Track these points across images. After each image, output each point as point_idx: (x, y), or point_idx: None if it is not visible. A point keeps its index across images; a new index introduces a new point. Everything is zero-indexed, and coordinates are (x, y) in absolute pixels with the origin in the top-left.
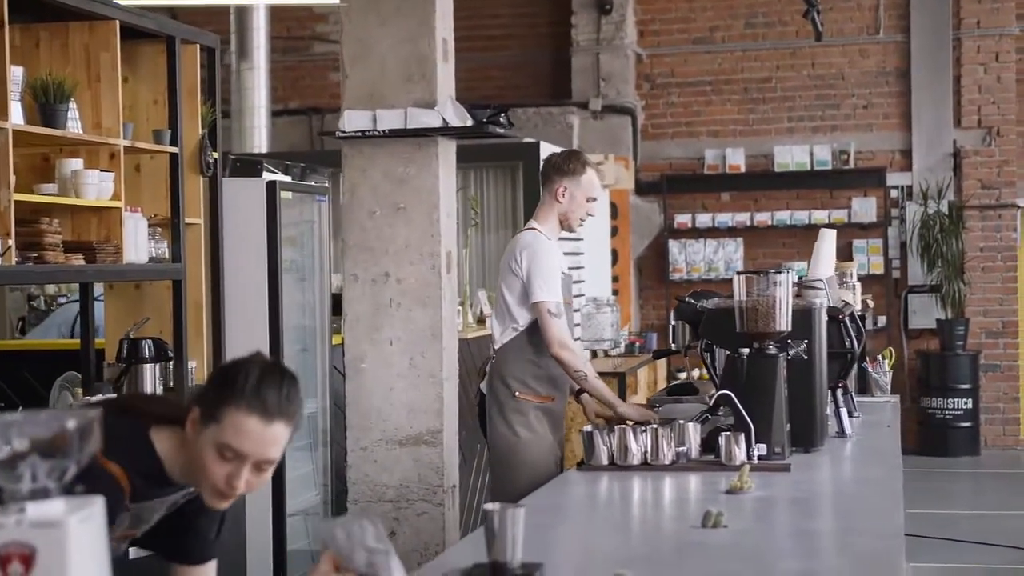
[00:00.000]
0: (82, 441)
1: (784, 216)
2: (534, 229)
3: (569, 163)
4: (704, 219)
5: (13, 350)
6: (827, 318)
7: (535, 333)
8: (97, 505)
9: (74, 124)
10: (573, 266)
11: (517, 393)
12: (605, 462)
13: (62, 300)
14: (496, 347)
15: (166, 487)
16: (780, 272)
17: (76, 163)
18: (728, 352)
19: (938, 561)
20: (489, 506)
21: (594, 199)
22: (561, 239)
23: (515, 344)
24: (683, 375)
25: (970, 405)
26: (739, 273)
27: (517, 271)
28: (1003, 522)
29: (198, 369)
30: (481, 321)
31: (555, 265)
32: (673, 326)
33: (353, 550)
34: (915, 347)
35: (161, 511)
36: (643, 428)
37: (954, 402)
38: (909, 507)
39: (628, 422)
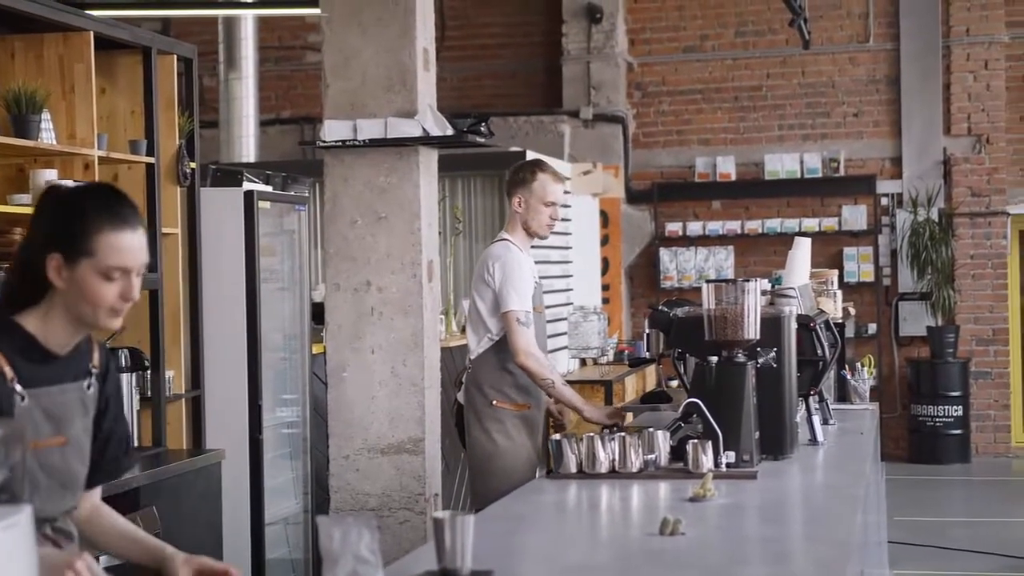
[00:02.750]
0: (7, 449)
1: (775, 224)
2: (505, 240)
3: (519, 173)
4: (695, 227)
5: None
6: (798, 326)
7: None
8: (23, 513)
9: (48, 135)
10: (562, 274)
11: (494, 402)
12: (573, 470)
13: None
14: (472, 357)
15: (51, 364)
16: (748, 280)
17: (50, 173)
18: (697, 360)
19: (926, 569)
20: (438, 514)
21: (552, 203)
22: (544, 247)
23: (490, 354)
24: (675, 383)
25: (961, 412)
26: (708, 281)
27: (489, 282)
28: (993, 529)
29: (175, 379)
30: (464, 330)
31: (526, 275)
32: (647, 334)
33: (342, 554)
34: (906, 354)
35: (74, 407)
36: (611, 436)
37: (945, 409)
38: (899, 514)
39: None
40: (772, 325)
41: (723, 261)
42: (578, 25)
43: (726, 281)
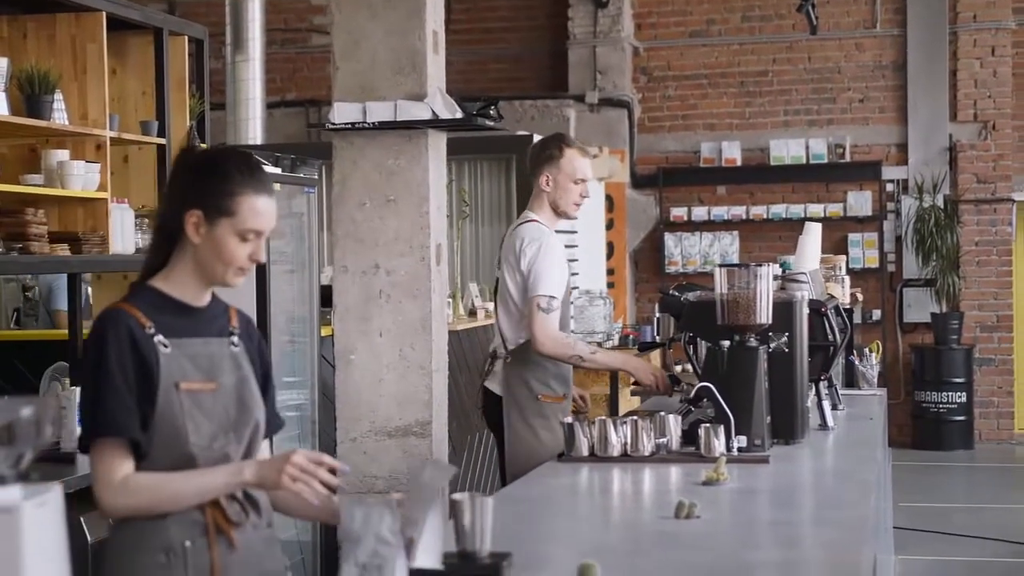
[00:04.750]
0: (37, 428)
1: (780, 210)
2: (535, 221)
3: (546, 149)
4: (700, 212)
5: (6, 340)
6: (809, 311)
7: None
8: (54, 492)
9: (60, 115)
10: (568, 258)
11: (540, 396)
12: (585, 453)
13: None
14: (510, 347)
15: (189, 317)
16: (761, 265)
17: (62, 154)
18: (709, 344)
19: (929, 554)
20: (457, 496)
21: (581, 180)
22: (557, 231)
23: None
24: (679, 368)
25: (964, 399)
26: (720, 266)
27: (524, 266)
28: (996, 516)
29: None
30: (472, 313)
31: (559, 259)
32: (658, 318)
33: (364, 535)
34: (910, 341)
35: (222, 360)
36: (623, 420)
37: (948, 396)
38: (902, 500)
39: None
40: (784, 310)
41: (728, 246)
42: (584, 9)
43: (739, 266)
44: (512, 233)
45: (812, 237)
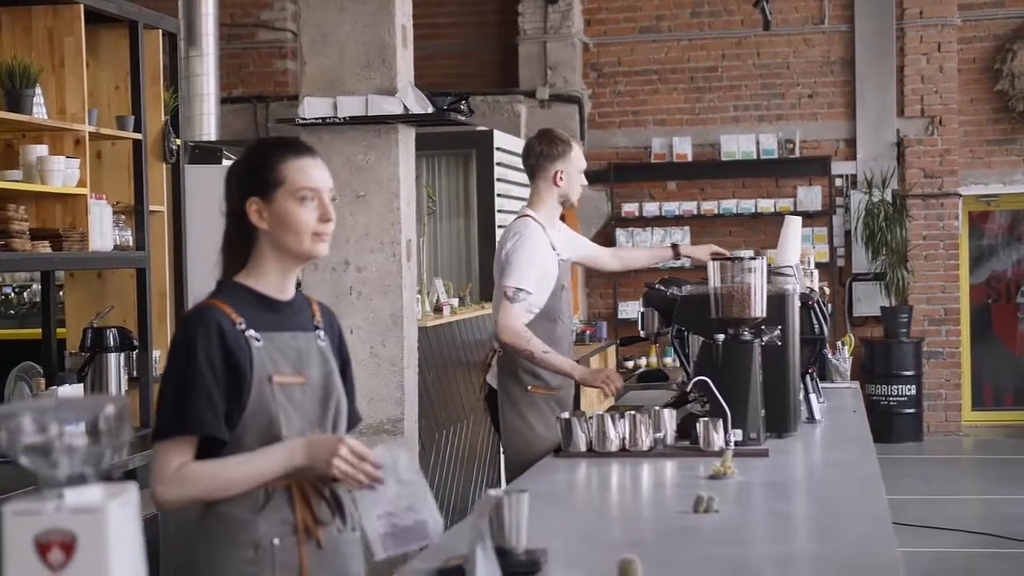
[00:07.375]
0: (118, 426)
1: (730, 205)
2: (526, 216)
3: (556, 147)
4: (651, 208)
5: None
6: (799, 304)
7: (541, 325)
8: (133, 492)
9: (39, 110)
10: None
11: (530, 387)
12: (583, 449)
13: (7, 290)
14: (503, 340)
15: (277, 312)
16: (755, 258)
17: (41, 149)
18: (703, 338)
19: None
20: (494, 492)
21: (583, 168)
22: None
23: None
24: (630, 363)
25: (913, 392)
26: (714, 259)
27: (502, 257)
28: (947, 506)
29: (162, 358)
30: (438, 310)
31: (536, 252)
32: (642, 313)
33: (384, 481)
34: (859, 334)
35: (310, 354)
36: (620, 415)
37: (898, 389)
38: None
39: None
40: (776, 303)
41: (679, 241)
42: (534, 5)
43: (732, 259)
44: (506, 229)
45: (793, 231)
